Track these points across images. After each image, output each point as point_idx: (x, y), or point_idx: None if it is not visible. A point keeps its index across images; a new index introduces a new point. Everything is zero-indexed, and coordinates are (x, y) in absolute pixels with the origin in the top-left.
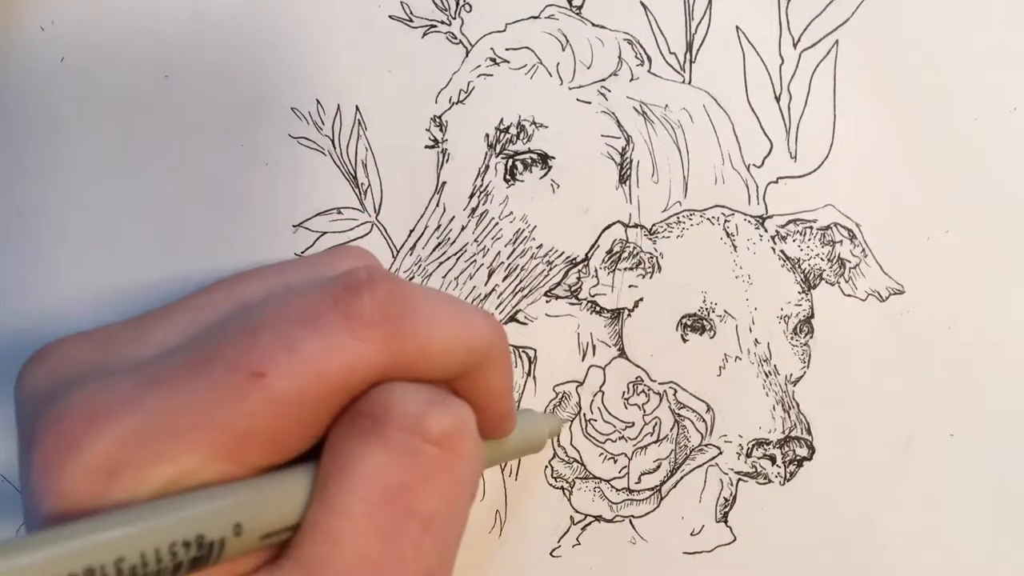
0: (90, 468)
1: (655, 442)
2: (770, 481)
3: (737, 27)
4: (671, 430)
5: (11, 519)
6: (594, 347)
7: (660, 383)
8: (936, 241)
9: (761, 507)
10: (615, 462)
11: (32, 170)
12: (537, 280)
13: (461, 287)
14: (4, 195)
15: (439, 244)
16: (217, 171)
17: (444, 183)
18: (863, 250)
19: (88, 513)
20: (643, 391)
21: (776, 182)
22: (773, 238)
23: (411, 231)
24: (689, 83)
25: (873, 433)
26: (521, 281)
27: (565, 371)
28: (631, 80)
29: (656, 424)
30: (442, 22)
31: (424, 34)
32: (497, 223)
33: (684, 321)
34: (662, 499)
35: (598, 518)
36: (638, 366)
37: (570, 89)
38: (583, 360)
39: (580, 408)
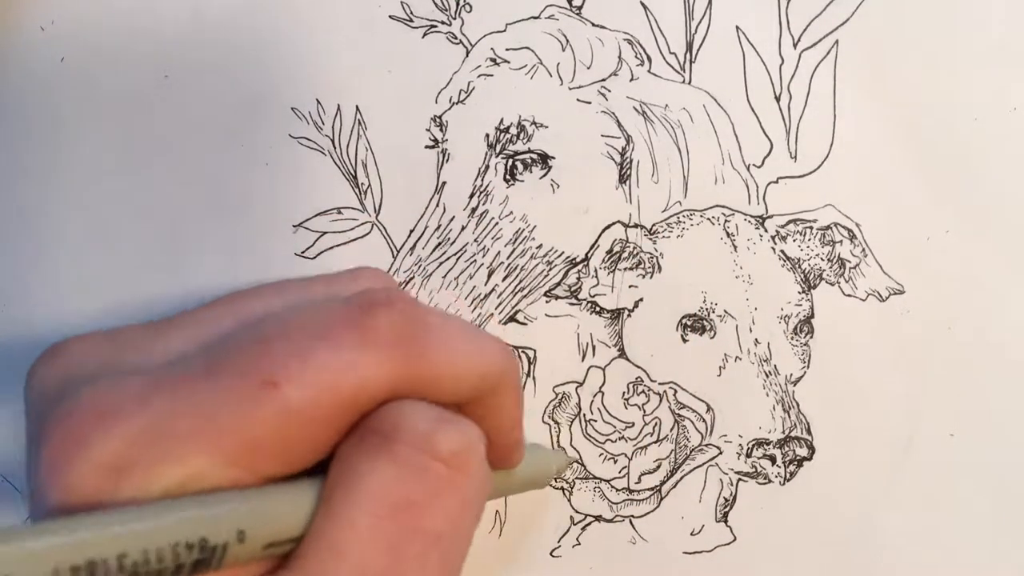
0: (98, 465)
1: (655, 442)
2: (770, 481)
3: (737, 27)
4: (671, 430)
5: (11, 519)
6: (594, 347)
7: (660, 383)
8: (936, 241)
9: (761, 507)
10: (615, 462)
11: (32, 170)
12: (537, 280)
13: (461, 287)
14: (4, 195)
15: (439, 244)
16: (217, 171)
17: (444, 183)
18: (863, 250)
19: (94, 509)
20: (643, 391)
21: (776, 182)
22: (773, 238)
23: (411, 231)
24: (689, 83)
25: (873, 433)
26: (521, 281)
27: (565, 371)
28: (631, 80)
29: (656, 424)
30: (442, 22)
31: (424, 34)
32: (497, 223)
33: (684, 321)
34: (662, 499)
35: (598, 518)
36: (638, 366)
37: (570, 89)
38: (583, 360)
39: (580, 408)
